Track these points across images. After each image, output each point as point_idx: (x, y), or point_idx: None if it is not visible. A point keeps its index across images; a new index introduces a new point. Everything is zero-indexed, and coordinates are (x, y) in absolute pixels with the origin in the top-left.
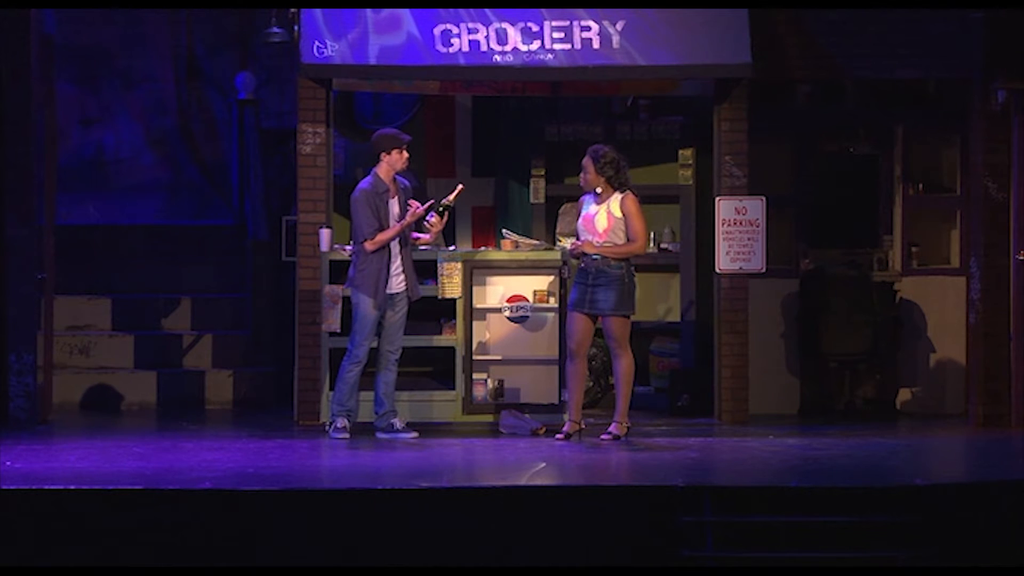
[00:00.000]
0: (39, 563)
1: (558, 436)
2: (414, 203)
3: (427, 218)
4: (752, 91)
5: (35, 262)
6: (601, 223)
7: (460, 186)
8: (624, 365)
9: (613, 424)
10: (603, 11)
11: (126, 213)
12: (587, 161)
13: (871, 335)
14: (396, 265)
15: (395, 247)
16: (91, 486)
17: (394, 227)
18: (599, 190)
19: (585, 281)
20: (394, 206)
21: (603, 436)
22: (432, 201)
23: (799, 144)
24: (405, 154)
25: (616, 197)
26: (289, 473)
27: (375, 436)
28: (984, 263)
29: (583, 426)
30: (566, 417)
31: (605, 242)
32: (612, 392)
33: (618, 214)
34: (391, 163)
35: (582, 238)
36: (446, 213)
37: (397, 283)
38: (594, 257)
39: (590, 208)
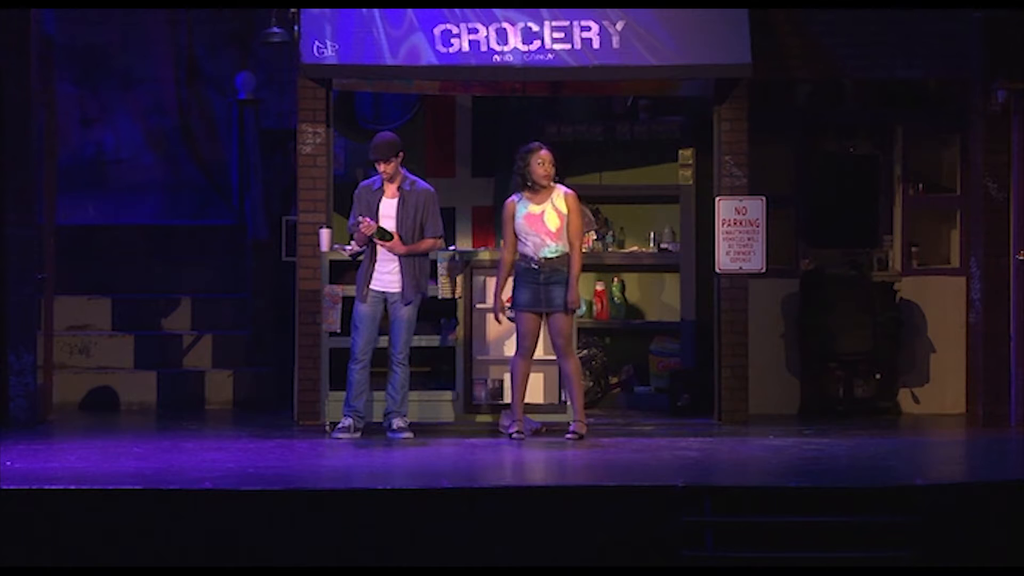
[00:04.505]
0: (39, 563)
1: (515, 435)
2: (365, 219)
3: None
4: (752, 91)
5: (35, 262)
6: (552, 222)
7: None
8: (572, 365)
9: (574, 423)
10: (603, 11)
11: (126, 213)
12: (547, 153)
13: (871, 335)
14: (385, 265)
15: (380, 248)
16: (91, 486)
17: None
18: (543, 184)
19: (537, 281)
20: (388, 207)
21: (567, 436)
22: (371, 223)
23: (799, 144)
24: (385, 167)
25: (559, 193)
26: (289, 473)
27: (378, 435)
28: (984, 263)
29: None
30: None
31: (560, 245)
32: (611, 392)
33: (564, 210)
34: (381, 169)
35: (528, 240)
36: (394, 236)
37: (387, 283)
38: (548, 257)
39: (529, 207)
